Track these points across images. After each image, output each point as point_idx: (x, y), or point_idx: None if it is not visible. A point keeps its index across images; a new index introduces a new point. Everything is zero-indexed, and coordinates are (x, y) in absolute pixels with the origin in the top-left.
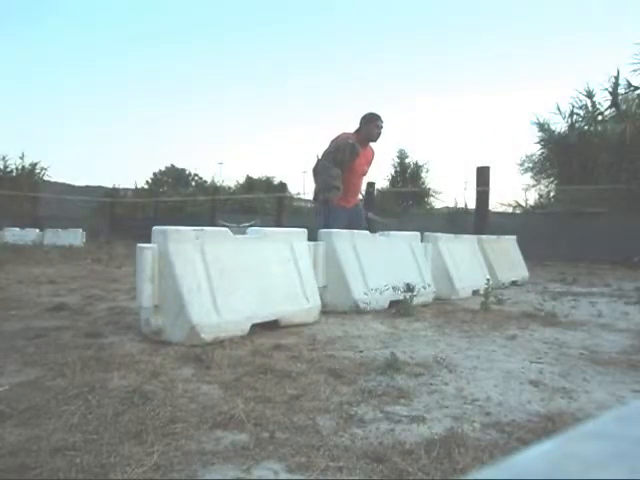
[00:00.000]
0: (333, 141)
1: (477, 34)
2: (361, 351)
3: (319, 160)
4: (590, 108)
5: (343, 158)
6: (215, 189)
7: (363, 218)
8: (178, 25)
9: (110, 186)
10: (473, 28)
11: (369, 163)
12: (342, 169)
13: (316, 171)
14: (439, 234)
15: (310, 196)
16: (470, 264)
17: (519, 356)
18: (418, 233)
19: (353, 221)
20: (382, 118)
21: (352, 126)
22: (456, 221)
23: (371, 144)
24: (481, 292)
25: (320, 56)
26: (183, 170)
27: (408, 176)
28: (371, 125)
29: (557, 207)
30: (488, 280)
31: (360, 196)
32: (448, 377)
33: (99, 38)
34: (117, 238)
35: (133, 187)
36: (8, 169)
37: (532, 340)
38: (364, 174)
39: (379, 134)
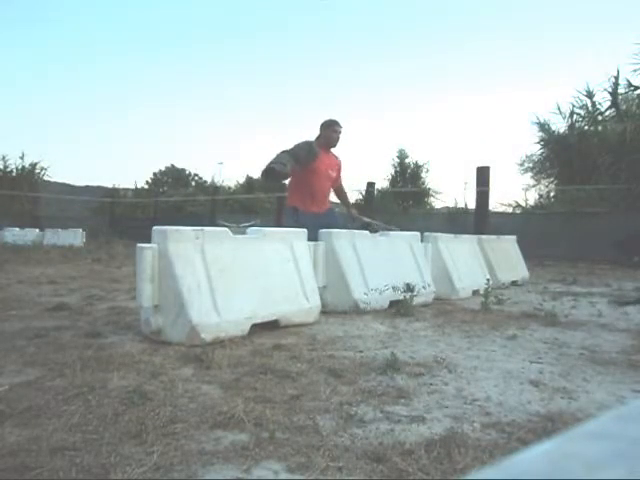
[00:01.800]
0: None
1: (477, 34)
2: (361, 351)
3: None
4: (590, 108)
5: (299, 153)
6: (215, 189)
7: (339, 223)
8: (178, 25)
9: (110, 186)
10: (473, 28)
11: (336, 170)
12: (301, 168)
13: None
14: (439, 234)
15: None
16: (470, 264)
17: (519, 356)
18: (418, 233)
19: (327, 227)
20: (340, 124)
21: (352, 126)
22: (456, 221)
23: (338, 155)
24: (481, 292)
25: (320, 56)
26: (183, 170)
27: (408, 176)
28: (329, 130)
29: (557, 207)
30: (488, 280)
31: (349, 202)
32: (448, 377)
33: (99, 38)
34: (117, 238)
35: (133, 187)
36: (8, 169)
37: (532, 340)
38: (331, 179)
39: (337, 139)
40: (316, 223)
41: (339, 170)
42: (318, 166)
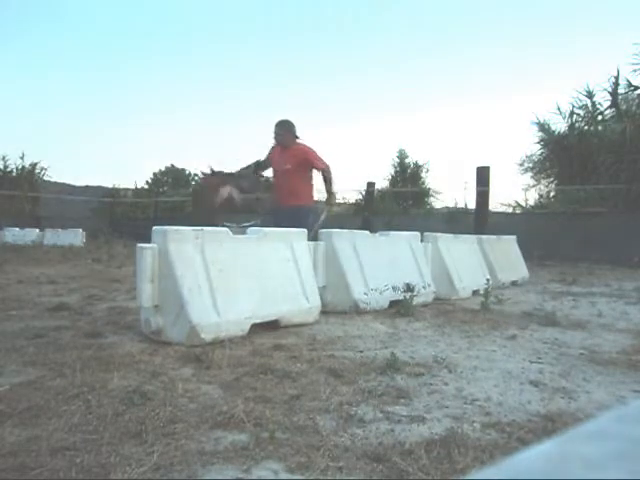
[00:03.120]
0: None
1: (477, 34)
2: (361, 351)
3: None
4: (590, 108)
5: (260, 159)
6: None
7: (300, 221)
8: (178, 25)
9: (110, 186)
10: (473, 28)
11: (291, 161)
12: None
13: None
14: (439, 234)
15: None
16: (470, 264)
17: (519, 356)
18: (418, 233)
19: (281, 224)
20: (278, 125)
21: (352, 126)
22: (456, 221)
23: (302, 145)
24: (481, 292)
25: (319, 56)
26: (183, 170)
27: (408, 176)
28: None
29: (557, 207)
30: (488, 280)
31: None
32: (448, 377)
33: (99, 38)
34: (117, 238)
35: (133, 187)
36: (8, 169)
37: (532, 340)
38: (286, 172)
39: (276, 139)
40: (273, 218)
41: (297, 159)
42: (272, 165)
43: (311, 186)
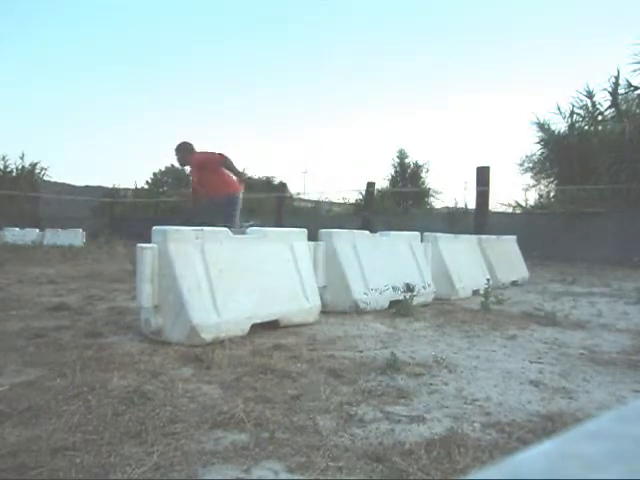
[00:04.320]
0: None
1: (477, 34)
2: (361, 351)
3: None
4: (590, 108)
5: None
6: None
7: (225, 208)
8: (177, 25)
9: (110, 186)
10: (473, 28)
11: (197, 169)
12: None
13: None
14: (439, 234)
15: (310, 196)
16: (470, 264)
17: (519, 356)
18: (418, 233)
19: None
20: (176, 150)
21: (352, 126)
22: (456, 221)
23: (196, 155)
24: (481, 292)
25: (320, 56)
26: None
27: (408, 176)
28: None
29: (557, 207)
30: (488, 280)
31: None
32: (448, 377)
33: (99, 38)
34: (117, 238)
35: (133, 187)
36: (8, 169)
37: (532, 340)
38: (199, 181)
39: (179, 162)
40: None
41: (199, 167)
42: (194, 183)
43: (224, 178)
